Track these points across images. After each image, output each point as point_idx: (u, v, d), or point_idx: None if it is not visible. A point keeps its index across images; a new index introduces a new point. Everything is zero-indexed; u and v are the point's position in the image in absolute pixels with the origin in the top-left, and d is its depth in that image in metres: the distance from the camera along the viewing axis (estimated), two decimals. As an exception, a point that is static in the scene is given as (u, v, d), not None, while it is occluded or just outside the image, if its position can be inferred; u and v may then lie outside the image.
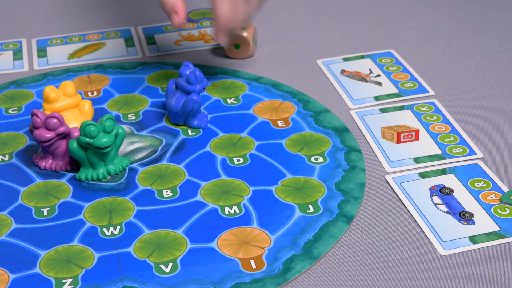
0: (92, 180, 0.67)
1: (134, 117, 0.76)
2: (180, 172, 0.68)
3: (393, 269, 0.58)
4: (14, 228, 0.62)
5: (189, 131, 0.74)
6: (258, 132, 0.73)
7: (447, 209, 0.63)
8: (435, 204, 0.64)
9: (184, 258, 0.59)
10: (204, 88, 0.73)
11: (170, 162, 0.69)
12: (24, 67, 0.87)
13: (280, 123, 0.75)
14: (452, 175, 0.67)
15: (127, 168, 0.69)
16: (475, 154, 0.70)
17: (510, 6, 0.99)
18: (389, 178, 0.67)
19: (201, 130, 0.74)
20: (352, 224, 0.62)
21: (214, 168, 0.68)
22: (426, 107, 0.77)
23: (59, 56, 0.89)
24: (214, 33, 0.73)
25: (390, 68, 0.84)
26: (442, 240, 0.60)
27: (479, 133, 0.73)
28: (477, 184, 0.66)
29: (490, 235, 0.60)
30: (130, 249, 0.60)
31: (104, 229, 0.62)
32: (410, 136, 0.72)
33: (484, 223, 0.61)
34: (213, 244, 0.60)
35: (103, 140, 0.65)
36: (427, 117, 0.75)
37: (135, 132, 0.74)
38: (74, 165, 0.69)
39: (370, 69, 0.84)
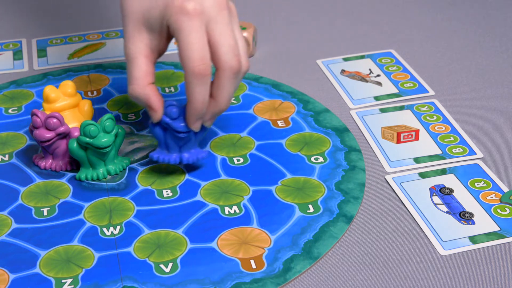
0: (92, 180, 0.67)
1: (134, 117, 0.76)
2: (180, 172, 0.68)
3: (393, 269, 0.58)
4: (14, 228, 0.62)
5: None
6: (258, 132, 0.73)
7: (447, 209, 0.63)
8: (435, 204, 0.64)
9: (184, 258, 0.59)
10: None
11: (170, 162, 0.69)
12: (24, 67, 0.87)
13: (280, 123, 0.75)
14: (452, 175, 0.67)
15: (127, 168, 0.69)
16: (475, 154, 0.70)
17: (510, 6, 0.99)
18: (389, 178, 0.67)
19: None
20: (352, 224, 0.62)
21: (214, 168, 0.68)
22: (426, 107, 0.77)
23: (59, 56, 0.89)
24: (188, 123, 0.63)
25: (390, 68, 0.84)
26: (442, 240, 0.60)
27: (479, 133, 0.73)
28: (477, 184, 0.66)
29: (490, 235, 0.60)
30: (130, 249, 0.60)
31: (104, 229, 0.62)
32: (410, 136, 0.72)
33: (484, 223, 0.61)
34: (213, 244, 0.60)
35: (103, 140, 0.65)
36: (427, 117, 0.75)
37: (135, 132, 0.74)
38: (74, 165, 0.69)
39: (370, 69, 0.84)
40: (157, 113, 0.64)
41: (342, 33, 0.93)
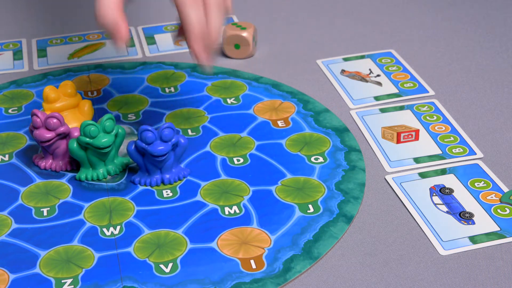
0: (92, 180, 0.67)
1: (134, 117, 0.76)
2: (180, 172, 0.68)
3: (393, 269, 0.58)
4: (14, 228, 0.62)
5: (189, 131, 0.74)
6: (258, 132, 0.73)
7: (447, 209, 0.63)
8: (435, 204, 0.64)
9: (184, 258, 0.59)
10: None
11: (170, 162, 0.69)
12: (24, 67, 0.87)
13: (280, 123, 0.75)
14: (452, 175, 0.67)
15: (127, 168, 0.69)
16: (475, 154, 0.70)
17: (510, 6, 0.99)
18: (389, 178, 0.67)
19: (200, 130, 0.74)
20: (352, 224, 0.62)
21: (214, 168, 0.68)
22: (426, 107, 0.77)
23: (59, 56, 0.89)
24: (193, 50, 0.61)
25: (390, 68, 0.84)
26: (442, 240, 0.60)
27: (479, 133, 0.73)
28: (477, 184, 0.66)
29: (490, 235, 0.60)
30: (130, 249, 0.60)
31: (104, 229, 0.62)
32: (410, 136, 0.72)
33: (484, 223, 0.61)
34: (213, 244, 0.60)
35: (103, 140, 0.65)
36: (427, 117, 0.75)
37: (135, 132, 0.74)
38: (74, 165, 0.69)
39: (370, 69, 0.84)
40: (121, 38, 0.61)
41: (342, 33, 0.93)
